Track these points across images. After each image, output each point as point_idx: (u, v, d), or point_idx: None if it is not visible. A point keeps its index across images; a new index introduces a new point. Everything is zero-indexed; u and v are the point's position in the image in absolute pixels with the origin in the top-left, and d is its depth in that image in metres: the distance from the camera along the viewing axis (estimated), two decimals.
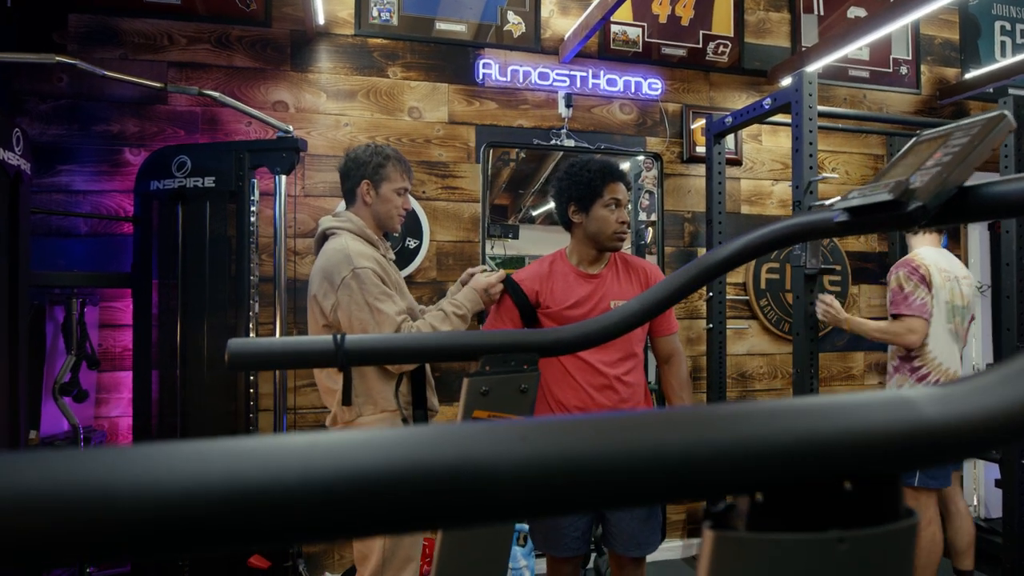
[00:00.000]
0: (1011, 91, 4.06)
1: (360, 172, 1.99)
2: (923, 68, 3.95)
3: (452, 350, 1.03)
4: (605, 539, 2.00)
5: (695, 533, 3.52)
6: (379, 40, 3.14)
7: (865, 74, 3.82)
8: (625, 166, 3.45)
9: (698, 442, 0.32)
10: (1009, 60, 3.85)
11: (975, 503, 4.03)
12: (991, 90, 3.88)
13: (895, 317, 2.66)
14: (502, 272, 1.99)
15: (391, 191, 1.99)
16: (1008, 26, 4.13)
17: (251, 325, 2.64)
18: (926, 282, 2.62)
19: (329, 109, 3.08)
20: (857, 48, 3.40)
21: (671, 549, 3.40)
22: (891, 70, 3.86)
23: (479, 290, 1.95)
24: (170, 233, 2.62)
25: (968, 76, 3.90)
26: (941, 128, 0.92)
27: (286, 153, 2.61)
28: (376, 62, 3.14)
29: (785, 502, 0.34)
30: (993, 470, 3.78)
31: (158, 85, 2.56)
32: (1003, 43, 4.11)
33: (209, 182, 2.58)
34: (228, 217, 2.65)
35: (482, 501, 0.30)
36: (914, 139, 0.96)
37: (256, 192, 2.71)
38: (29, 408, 2.36)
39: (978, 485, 4.01)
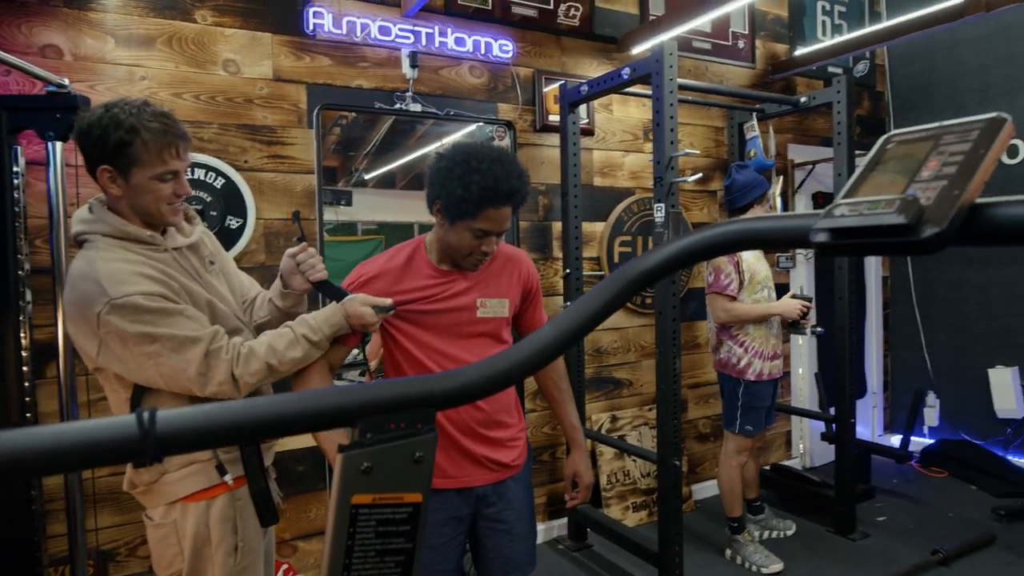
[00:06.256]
0: (830, 69, 4.32)
1: (96, 153, 1.37)
2: (758, 43, 4.06)
3: (318, 416, 0.73)
4: (479, 564, 1.79)
5: (556, 515, 3.44)
6: None
7: (707, 46, 3.84)
8: (469, 129, 3.19)
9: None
10: (830, 41, 4.06)
11: (801, 452, 4.35)
12: (815, 68, 4.08)
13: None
14: (389, 300, 1.61)
15: (147, 179, 1.39)
16: (828, 6, 4.36)
17: (23, 331, 2.09)
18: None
19: (120, 58, 2.50)
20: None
21: None
22: (730, 43, 3.92)
23: (353, 317, 1.53)
24: None
25: (797, 53, 4.07)
26: (918, 129, 0.75)
27: (61, 113, 2.05)
28: (180, 2, 2.58)
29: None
30: (819, 425, 4.08)
31: None
32: (824, 23, 4.34)
33: None
34: None
35: None
36: (883, 140, 0.78)
37: (21, 161, 2.12)
38: None
39: (804, 438, 4.33)
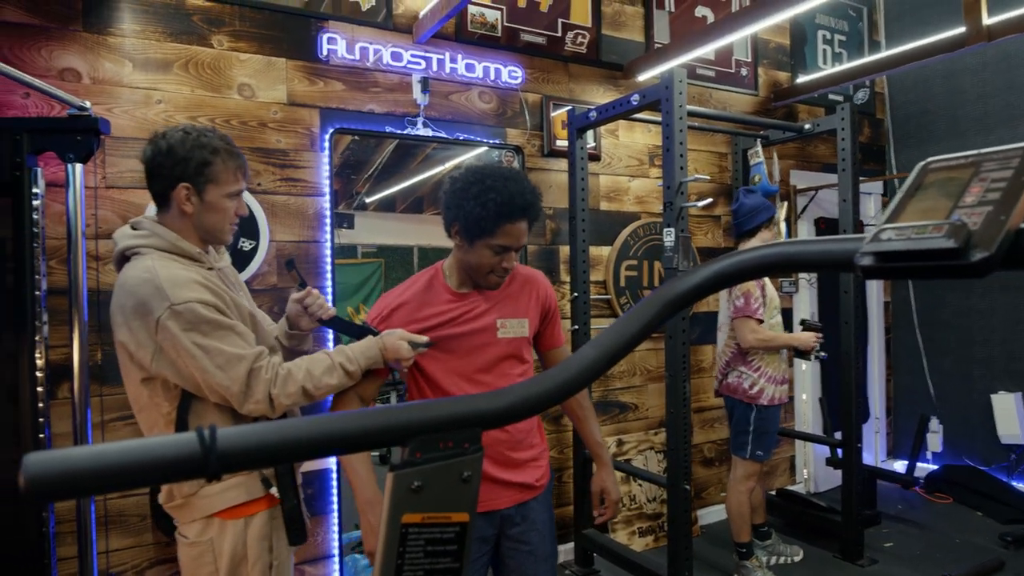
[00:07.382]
0: (831, 96, 4.38)
1: (177, 172, 1.46)
2: (760, 71, 4.13)
3: (373, 435, 0.74)
4: None
5: (562, 539, 3.42)
6: (199, 1, 2.64)
7: (711, 73, 3.90)
8: (474, 153, 3.23)
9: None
10: (831, 69, 4.13)
11: (805, 477, 4.34)
12: (816, 95, 4.15)
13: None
14: (425, 338, 1.61)
15: (221, 196, 1.50)
16: (828, 35, 4.44)
17: (38, 352, 2.09)
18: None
19: (137, 81, 2.53)
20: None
21: None
22: (733, 71, 3.99)
23: (389, 351, 1.55)
24: None
25: (798, 81, 4.14)
26: (956, 156, 0.77)
27: (82, 135, 2.07)
28: (197, 27, 2.63)
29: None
30: (823, 450, 4.08)
31: None
32: (824, 51, 4.42)
33: None
34: (1, 214, 2.07)
35: None
36: (921, 166, 0.80)
37: (40, 183, 2.14)
38: None
39: (808, 463, 4.32)
